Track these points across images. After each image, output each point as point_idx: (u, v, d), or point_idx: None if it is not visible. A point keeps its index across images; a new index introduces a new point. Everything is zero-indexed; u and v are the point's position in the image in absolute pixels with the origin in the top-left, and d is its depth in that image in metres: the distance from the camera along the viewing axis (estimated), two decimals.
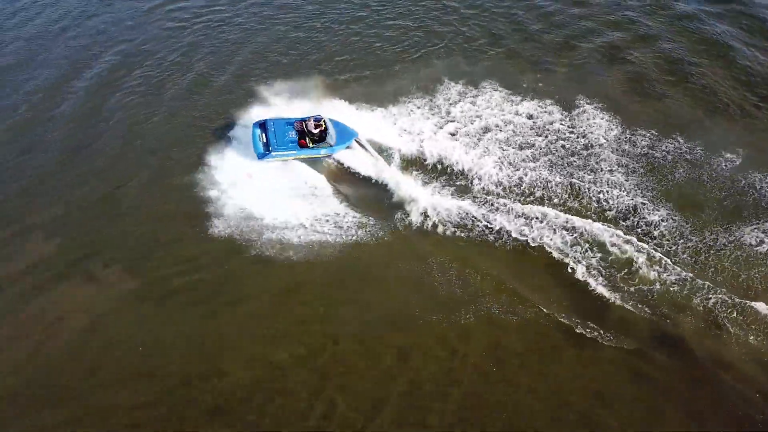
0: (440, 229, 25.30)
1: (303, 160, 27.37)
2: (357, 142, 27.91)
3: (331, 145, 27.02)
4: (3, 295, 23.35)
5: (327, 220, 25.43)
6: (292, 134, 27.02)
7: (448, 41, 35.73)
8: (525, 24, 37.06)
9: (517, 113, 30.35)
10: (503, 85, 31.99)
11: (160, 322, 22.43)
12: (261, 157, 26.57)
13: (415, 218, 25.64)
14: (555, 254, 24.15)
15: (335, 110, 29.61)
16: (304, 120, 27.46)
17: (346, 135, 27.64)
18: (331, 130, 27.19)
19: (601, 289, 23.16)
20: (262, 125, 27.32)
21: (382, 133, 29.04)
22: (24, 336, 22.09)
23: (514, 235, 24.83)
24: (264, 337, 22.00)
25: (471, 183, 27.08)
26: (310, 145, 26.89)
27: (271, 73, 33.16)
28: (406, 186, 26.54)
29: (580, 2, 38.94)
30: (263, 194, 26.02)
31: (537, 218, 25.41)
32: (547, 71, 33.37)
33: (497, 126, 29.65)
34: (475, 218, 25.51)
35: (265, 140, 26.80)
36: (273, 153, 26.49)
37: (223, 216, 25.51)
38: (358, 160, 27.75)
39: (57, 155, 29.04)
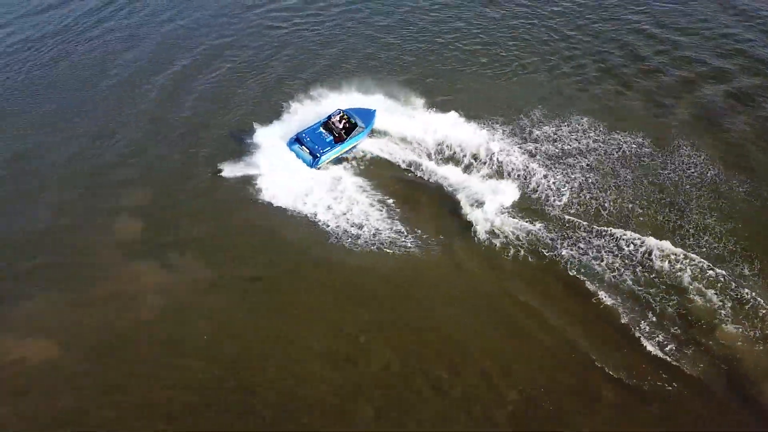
0: (507, 250, 24.83)
1: (348, 152, 28.73)
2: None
3: (363, 128, 28.36)
4: (89, 267, 25.13)
5: (391, 232, 25.63)
6: (326, 135, 28.22)
7: (552, 64, 35.10)
8: (635, 52, 35.69)
9: (605, 142, 29.30)
10: (597, 112, 31.24)
11: (226, 311, 23.34)
12: (313, 165, 27.71)
13: (482, 235, 25.22)
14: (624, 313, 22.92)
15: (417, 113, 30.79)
16: (328, 119, 28.64)
17: (368, 114, 29.15)
18: (355, 117, 28.56)
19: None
20: (297, 140, 28.36)
21: (468, 143, 29.18)
22: (100, 306, 23.63)
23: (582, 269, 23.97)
24: (322, 338, 22.44)
25: (546, 206, 26.41)
26: (345, 137, 28.19)
27: (363, 78, 33.71)
28: (478, 191, 26.75)
29: (710, 35, 36.68)
30: (332, 203, 26.75)
31: (613, 252, 24.40)
32: (652, 105, 32.15)
33: (581, 152, 28.74)
34: (545, 244, 24.85)
35: (307, 150, 27.88)
36: (321, 158, 27.57)
37: (293, 219, 26.35)
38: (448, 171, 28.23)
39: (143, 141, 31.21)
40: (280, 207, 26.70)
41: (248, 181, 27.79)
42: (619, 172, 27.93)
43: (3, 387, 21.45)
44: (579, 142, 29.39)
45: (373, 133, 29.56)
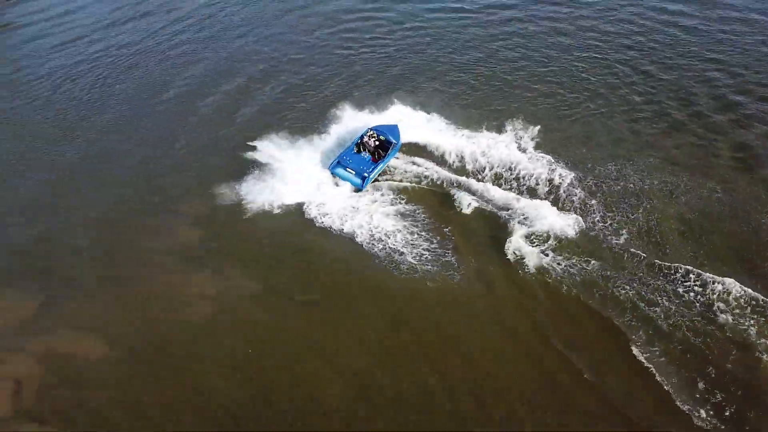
0: (555, 287, 23.84)
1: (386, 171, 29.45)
2: None
3: (395, 143, 29.25)
4: (143, 268, 25.85)
5: (436, 259, 25.23)
6: (365, 155, 28.90)
7: (623, 101, 34.13)
8: (722, 96, 33.83)
9: (673, 185, 28.27)
10: (668, 156, 30.03)
11: (269, 327, 23.39)
12: (362, 186, 28.14)
13: (531, 269, 24.44)
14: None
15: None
16: (361, 140, 29.27)
17: (393, 129, 29.98)
18: (384, 133, 29.53)
19: None
20: (339, 163, 28.77)
21: (526, 170, 29.06)
22: (149, 308, 24.21)
23: None
24: (362, 361, 22.09)
25: (603, 244, 25.47)
26: (383, 154, 28.81)
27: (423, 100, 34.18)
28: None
29: None
30: (374, 226, 26.74)
31: (672, 296, 23.15)
32: (738, 155, 30.13)
33: (645, 193, 27.81)
34: (597, 284, 23.73)
35: (353, 172, 28.27)
36: (369, 177, 28.07)
37: (339, 241, 26.37)
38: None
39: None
40: (327, 228, 26.82)
41: (297, 201, 28.15)
42: (688, 217, 26.61)
43: (53, 380, 22.08)
44: (643, 182, 28.27)
45: (401, 150, 30.27)
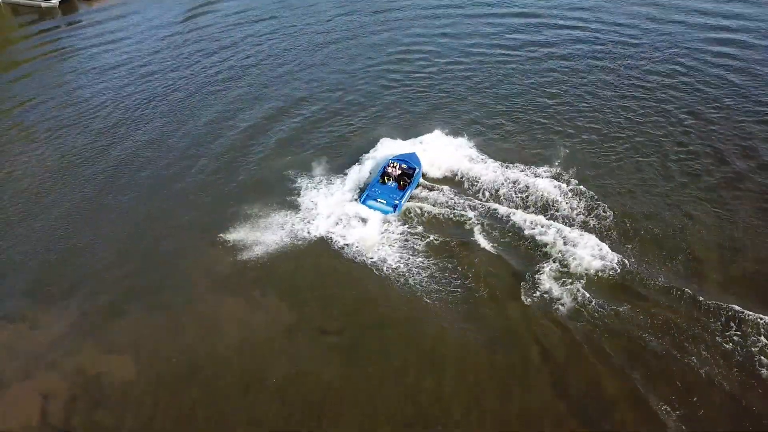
0: (590, 331, 22.60)
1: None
2: None
3: (417, 169, 30.32)
4: (178, 291, 25.86)
5: (467, 296, 24.62)
6: (392, 184, 29.47)
7: (657, 145, 33.02)
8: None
9: (709, 231, 27.14)
10: (699, 199, 28.92)
11: (300, 357, 22.88)
12: (396, 211, 28.63)
13: (566, 311, 23.40)
14: None
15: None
16: (384, 171, 29.88)
17: (412, 156, 31.14)
18: (405, 161, 30.54)
19: None
20: (369, 196, 29.10)
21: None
22: (181, 332, 24.06)
23: None
24: (393, 400, 21.31)
25: (640, 287, 24.35)
26: (408, 180, 29.75)
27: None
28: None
29: None
30: (407, 259, 26.40)
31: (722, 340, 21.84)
32: None
33: (684, 235, 26.89)
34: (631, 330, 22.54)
35: (385, 202, 28.74)
36: (400, 204, 28.63)
37: (374, 273, 25.93)
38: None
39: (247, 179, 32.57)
40: (362, 261, 26.42)
41: (329, 233, 27.94)
42: (735, 273, 25.27)
43: (81, 399, 22.01)
44: (688, 229, 27.18)
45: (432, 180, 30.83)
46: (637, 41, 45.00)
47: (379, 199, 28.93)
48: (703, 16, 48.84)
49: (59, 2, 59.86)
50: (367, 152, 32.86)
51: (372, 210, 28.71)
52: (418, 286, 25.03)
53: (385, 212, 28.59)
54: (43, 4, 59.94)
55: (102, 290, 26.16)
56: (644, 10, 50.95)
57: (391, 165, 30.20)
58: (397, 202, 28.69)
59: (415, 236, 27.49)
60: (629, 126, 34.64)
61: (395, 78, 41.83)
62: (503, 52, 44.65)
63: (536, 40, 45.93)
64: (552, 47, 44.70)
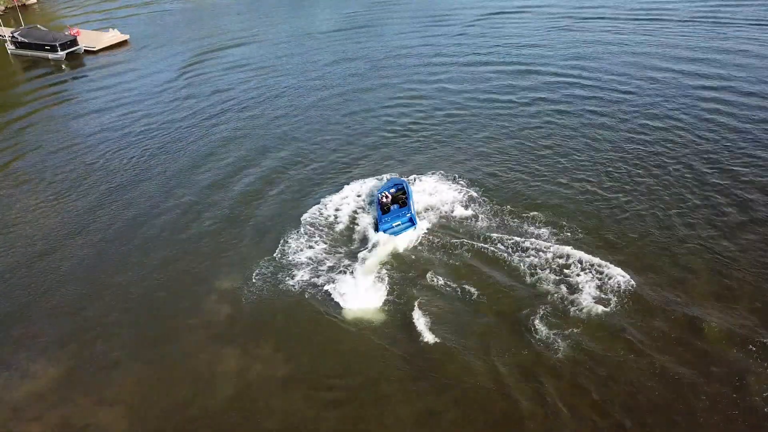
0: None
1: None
2: None
3: (404, 186, 32.46)
4: (173, 342, 25.39)
5: (480, 346, 24.03)
6: (394, 207, 31.07)
7: (657, 199, 32.53)
8: None
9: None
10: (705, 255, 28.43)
11: (296, 414, 22.17)
12: (416, 224, 29.96)
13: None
14: None
15: None
16: (380, 203, 31.36)
17: (392, 180, 33.77)
18: (392, 186, 32.48)
19: None
20: (386, 226, 29.97)
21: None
22: (174, 385, 23.44)
23: None
24: None
25: None
26: (404, 197, 31.44)
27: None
28: None
29: None
30: (420, 304, 26.00)
31: None
32: None
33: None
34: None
35: (400, 223, 29.91)
36: (413, 215, 30.29)
37: (375, 320, 25.62)
38: None
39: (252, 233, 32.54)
40: (357, 312, 26.03)
41: (328, 282, 27.66)
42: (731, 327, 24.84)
43: None
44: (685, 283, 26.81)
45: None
46: (631, 92, 45.91)
47: (394, 224, 29.75)
48: (697, 66, 50.32)
49: (66, 55, 61.40)
50: (368, 200, 33.22)
51: (397, 236, 29.28)
52: (419, 338, 24.48)
53: (408, 228, 29.60)
54: (50, 56, 61.44)
55: (95, 340, 25.69)
56: (638, 61, 52.55)
57: (383, 195, 31.34)
58: (409, 215, 29.87)
59: (413, 284, 27.22)
60: (626, 177, 34.74)
61: (394, 128, 42.62)
62: (500, 102, 45.62)
63: (541, 96, 46.88)
64: (548, 98, 45.68)
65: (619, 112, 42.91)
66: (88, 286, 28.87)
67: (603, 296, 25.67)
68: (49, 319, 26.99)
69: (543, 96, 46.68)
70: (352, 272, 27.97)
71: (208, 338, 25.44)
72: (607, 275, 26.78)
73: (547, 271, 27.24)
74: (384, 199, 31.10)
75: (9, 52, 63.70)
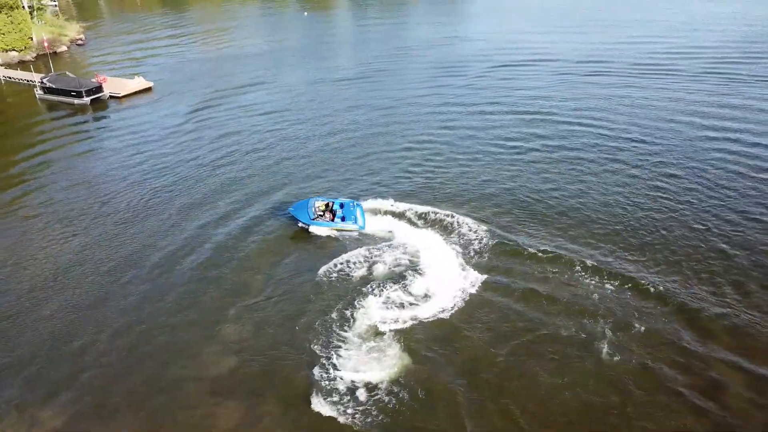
0: None
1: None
2: None
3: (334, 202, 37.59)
4: (172, 393, 24.94)
5: None
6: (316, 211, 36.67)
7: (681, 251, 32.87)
8: None
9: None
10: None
11: None
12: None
13: None
14: None
15: None
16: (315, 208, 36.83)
17: (305, 203, 37.49)
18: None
19: None
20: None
21: None
22: None
23: None
24: None
25: None
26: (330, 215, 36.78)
27: None
28: None
29: None
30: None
31: None
32: None
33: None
34: None
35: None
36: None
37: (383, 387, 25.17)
38: None
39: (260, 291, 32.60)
40: (366, 373, 25.32)
41: (339, 342, 27.42)
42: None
43: None
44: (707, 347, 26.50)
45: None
46: (642, 141, 47.16)
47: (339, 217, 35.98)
48: (704, 119, 51.52)
49: (90, 100, 64.00)
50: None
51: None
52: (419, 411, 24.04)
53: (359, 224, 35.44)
54: (76, 102, 64.02)
55: (96, 385, 25.38)
56: (647, 113, 53.69)
57: (316, 205, 36.66)
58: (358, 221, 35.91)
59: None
60: (652, 227, 35.26)
61: (408, 169, 43.82)
62: (506, 148, 47.01)
63: (560, 144, 48.11)
64: (576, 150, 46.68)
65: (630, 158, 43.98)
66: (91, 327, 28.79)
67: None
68: (53, 362, 26.77)
69: (551, 142, 47.89)
70: (358, 335, 27.35)
71: (210, 390, 24.89)
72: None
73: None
74: (318, 207, 36.69)
75: (37, 96, 66.53)
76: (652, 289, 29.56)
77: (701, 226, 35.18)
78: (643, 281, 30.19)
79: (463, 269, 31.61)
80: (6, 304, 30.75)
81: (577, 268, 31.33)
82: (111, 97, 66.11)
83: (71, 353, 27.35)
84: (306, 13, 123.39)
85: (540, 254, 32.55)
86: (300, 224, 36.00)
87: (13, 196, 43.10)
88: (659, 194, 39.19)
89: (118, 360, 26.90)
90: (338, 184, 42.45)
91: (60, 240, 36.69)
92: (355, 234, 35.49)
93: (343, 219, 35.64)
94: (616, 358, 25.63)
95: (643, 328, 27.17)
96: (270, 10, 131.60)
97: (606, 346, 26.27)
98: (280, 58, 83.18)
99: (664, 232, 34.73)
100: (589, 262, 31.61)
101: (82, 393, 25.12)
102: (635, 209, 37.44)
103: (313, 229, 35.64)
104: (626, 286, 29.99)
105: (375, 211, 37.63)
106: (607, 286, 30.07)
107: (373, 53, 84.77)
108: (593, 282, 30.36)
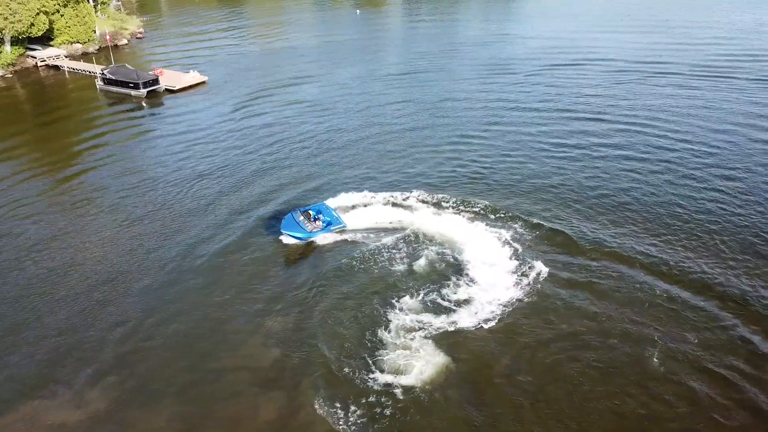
0: None
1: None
2: None
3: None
4: (216, 385, 24.97)
5: None
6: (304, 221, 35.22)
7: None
8: None
9: None
10: None
11: None
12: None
13: None
14: None
15: None
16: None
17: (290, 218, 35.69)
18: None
19: None
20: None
21: None
22: (211, 425, 23.12)
23: None
24: None
25: None
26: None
27: None
28: None
29: None
30: None
31: None
32: None
33: None
34: None
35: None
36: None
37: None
38: None
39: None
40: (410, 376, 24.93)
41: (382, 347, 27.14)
42: None
43: None
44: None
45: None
46: (710, 146, 45.04)
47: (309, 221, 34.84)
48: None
49: (147, 92, 65.96)
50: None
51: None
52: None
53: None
54: (133, 93, 66.09)
55: (141, 371, 25.71)
56: (707, 114, 51.41)
57: (304, 213, 35.40)
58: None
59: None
60: (708, 232, 33.67)
61: (454, 164, 42.93)
62: (559, 147, 45.60)
63: (604, 138, 46.67)
64: (626, 149, 45.08)
65: (687, 161, 42.36)
66: (138, 312, 29.27)
67: None
68: (103, 346, 27.25)
69: (604, 143, 46.42)
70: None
71: (251, 381, 24.90)
72: None
73: None
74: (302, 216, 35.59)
75: (98, 87, 69.06)
76: (709, 298, 28.15)
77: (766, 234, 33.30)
78: (701, 287, 28.85)
79: (508, 267, 30.89)
80: (61, 285, 31.63)
81: (630, 270, 30.25)
82: (166, 90, 67.89)
83: (118, 337, 27.85)
84: (358, 11, 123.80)
85: (590, 255, 31.65)
86: (298, 239, 34.20)
87: (69, 180, 44.66)
88: (718, 197, 37.45)
89: (162, 347, 27.20)
90: (381, 175, 42.34)
91: (111, 226, 37.62)
92: (353, 234, 34.89)
93: (330, 223, 34.49)
94: (663, 369, 24.41)
95: (696, 340, 25.81)
96: (323, 7, 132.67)
97: (656, 356, 25.03)
98: (330, 54, 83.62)
99: (722, 238, 33.10)
100: (642, 264, 30.59)
101: (126, 377, 25.53)
102: (694, 213, 35.84)
103: (316, 239, 34.55)
104: (682, 292, 28.70)
105: (415, 206, 37.24)
106: (660, 290, 28.84)
107: (422, 50, 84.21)
108: (646, 285, 29.23)
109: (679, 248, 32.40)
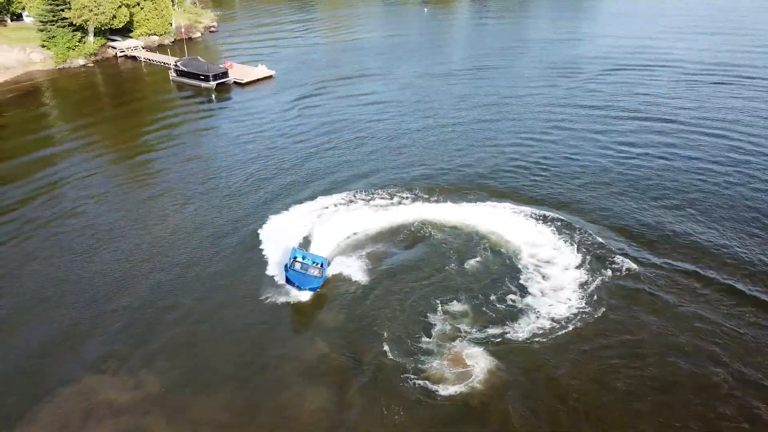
0: None
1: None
2: None
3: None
4: (267, 376, 25.24)
5: None
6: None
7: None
8: None
9: None
10: None
11: None
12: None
13: None
14: None
15: None
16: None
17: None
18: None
19: None
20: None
21: None
22: (258, 421, 23.25)
23: None
24: None
25: None
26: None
27: None
28: None
29: None
30: None
31: None
32: None
33: None
34: None
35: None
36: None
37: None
38: None
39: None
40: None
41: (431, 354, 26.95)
42: None
43: None
44: None
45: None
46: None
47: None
48: None
49: (216, 84, 68.03)
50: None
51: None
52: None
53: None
54: (203, 85, 68.32)
55: (194, 359, 26.18)
56: None
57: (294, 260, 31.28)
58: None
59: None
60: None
61: (515, 165, 41.72)
62: (624, 150, 43.72)
63: (673, 144, 45.10)
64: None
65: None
66: (191, 297, 29.92)
67: None
68: (159, 330, 27.98)
69: (672, 149, 44.59)
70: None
71: (301, 374, 25.05)
72: None
73: None
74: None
75: (171, 78, 71.85)
76: None
77: None
78: None
79: (567, 274, 29.91)
80: (125, 267, 32.79)
81: (701, 288, 28.62)
82: (235, 82, 69.79)
83: (171, 320, 28.61)
84: (426, 10, 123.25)
85: (657, 266, 30.23)
86: (310, 290, 30.61)
87: (138, 165, 46.59)
88: None
89: (212, 333, 27.68)
90: (437, 173, 42.00)
91: (172, 210, 38.85)
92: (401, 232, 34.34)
93: (321, 265, 31.34)
94: (727, 387, 23.08)
95: None
96: (391, 5, 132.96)
97: (722, 380, 23.55)
98: (396, 51, 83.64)
99: None
100: (714, 282, 28.88)
101: (179, 361, 26.09)
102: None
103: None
104: (759, 313, 26.99)
105: (469, 205, 36.86)
106: (733, 311, 27.12)
107: (488, 50, 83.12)
108: (717, 306, 27.56)
109: (758, 263, 30.42)
